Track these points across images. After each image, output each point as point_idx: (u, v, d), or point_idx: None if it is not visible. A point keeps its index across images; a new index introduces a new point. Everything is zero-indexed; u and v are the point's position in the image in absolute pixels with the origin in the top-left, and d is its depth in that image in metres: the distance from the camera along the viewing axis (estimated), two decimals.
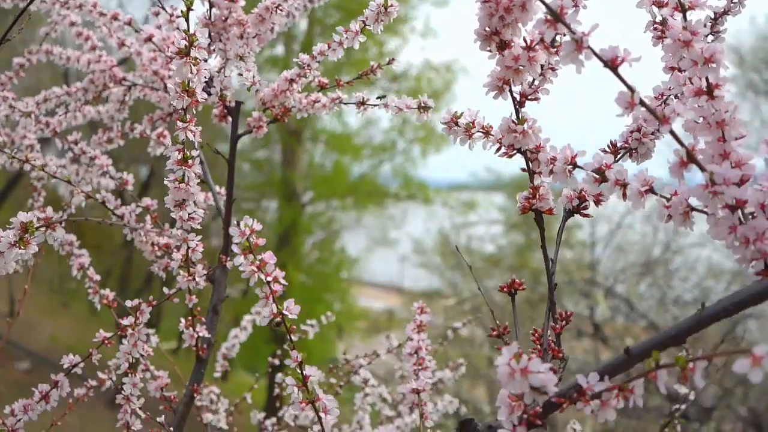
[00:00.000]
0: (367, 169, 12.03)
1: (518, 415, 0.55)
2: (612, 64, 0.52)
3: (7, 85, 1.34)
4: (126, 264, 9.88)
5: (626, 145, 0.70)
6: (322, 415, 0.67)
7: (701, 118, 0.56)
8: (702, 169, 0.53)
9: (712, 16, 0.75)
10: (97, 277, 1.12)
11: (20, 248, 0.69)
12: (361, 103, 0.99)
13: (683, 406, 1.17)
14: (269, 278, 0.64)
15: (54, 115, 1.33)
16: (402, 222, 12.35)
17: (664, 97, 0.70)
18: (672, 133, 0.53)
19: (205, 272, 0.93)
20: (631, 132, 0.70)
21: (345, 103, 1.01)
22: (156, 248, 1.05)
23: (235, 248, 0.63)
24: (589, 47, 0.51)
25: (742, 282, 7.01)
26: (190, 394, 1.01)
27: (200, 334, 0.99)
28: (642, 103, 0.52)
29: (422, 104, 0.88)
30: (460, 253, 0.96)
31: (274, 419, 1.41)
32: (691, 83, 0.58)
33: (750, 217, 0.54)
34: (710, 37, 0.74)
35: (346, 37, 0.93)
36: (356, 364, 1.41)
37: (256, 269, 0.64)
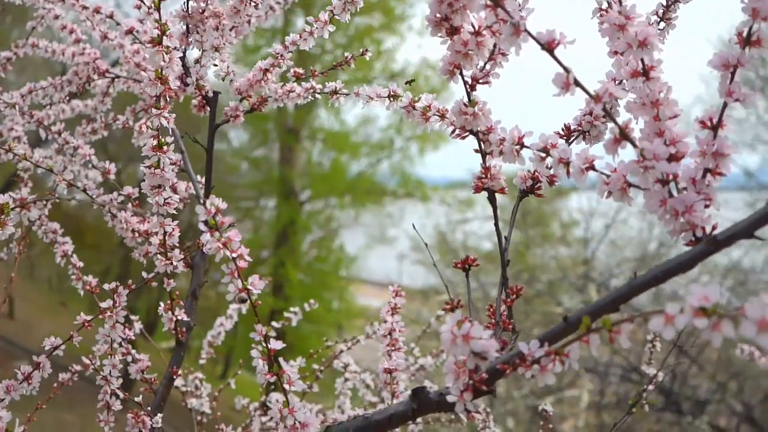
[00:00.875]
0: (365, 167, 12.08)
1: (464, 381, 0.58)
2: (549, 46, 0.55)
3: None
4: (124, 263, 9.92)
5: (579, 128, 0.73)
6: (286, 386, 0.70)
7: (639, 99, 0.59)
8: (634, 145, 0.56)
9: (665, 3, 0.78)
10: (80, 264, 1.15)
11: None
12: (334, 93, 1.02)
13: (650, 387, 1.20)
14: (234, 255, 0.67)
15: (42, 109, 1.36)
16: (400, 220, 12.40)
17: (616, 81, 0.73)
18: (605, 111, 0.56)
19: (182, 257, 0.96)
20: (584, 115, 0.73)
21: (319, 93, 1.04)
22: (136, 235, 1.08)
23: (201, 226, 0.66)
24: (526, 30, 0.54)
25: (734, 276, 7.05)
26: (169, 376, 1.04)
27: (179, 318, 1.02)
28: (576, 83, 0.55)
29: (392, 93, 0.90)
30: (428, 249, 0.98)
31: (256, 404, 1.44)
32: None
33: (684, 191, 0.57)
34: (662, 24, 0.77)
35: (316, 27, 0.96)
36: (337, 349, 1.45)
37: (221, 246, 0.67)
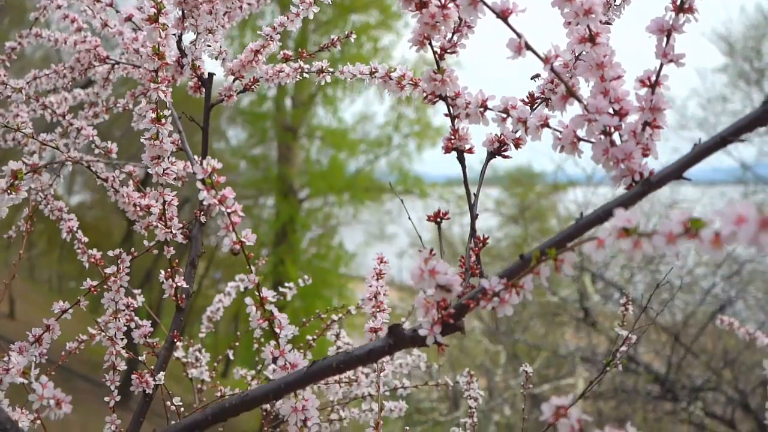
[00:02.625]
0: (363, 165, 12.16)
1: (433, 314, 0.65)
2: (503, 15, 0.62)
3: None
4: None
5: (542, 95, 0.80)
6: (277, 330, 0.77)
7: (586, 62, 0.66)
8: (579, 101, 0.63)
9: None
10: (86, 239, 1.22)
11: (11, 193, 0.79)
12: (321, 71, 1.09)
13: (624, 348, 1.26)
14: (229, 210, 0.74)
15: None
16: (398, 217, 12.47)
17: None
18: (554, 71, 0.63)
19: (181, 225, 1.03)
20: (546, 83, 0.80)
21: (307, 72, 1.11)
22: (138, 209, 1.14)
23: (198, 184, 0.73)
24: (482, 1, 0.61)
25: (729, 265, 7.13)
26: (170, 340, 1.11)
27: (179, 285, 1.09)
28: (528, 47, 0.62)
29: (373, 70, 0.97)
30: (413, 225, 1.03)
31: (253, 372, 1.51)
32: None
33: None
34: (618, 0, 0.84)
35: (302, 8, 1.03)
36: (329, 319, 1.52)
37: (217, 202, 0.74)
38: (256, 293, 0.77)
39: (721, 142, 0.57)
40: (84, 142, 1.23)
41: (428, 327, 0.66)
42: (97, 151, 1.23)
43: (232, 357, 1.48)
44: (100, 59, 1.32)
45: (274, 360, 0.76)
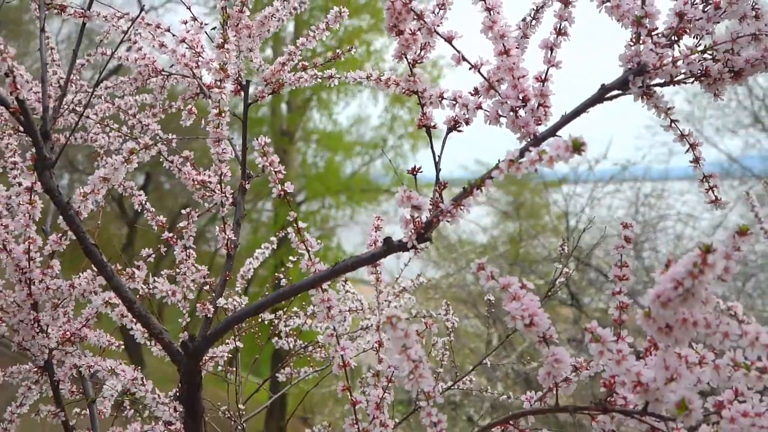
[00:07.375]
0: (359, 167, 12.55)
1: (411, 228, 1.04)
2: (449, 39, 1.01)
3: (72, 82, 1.82)
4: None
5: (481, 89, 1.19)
6: (309, 248, 1.16)
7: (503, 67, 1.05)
8: (496, 91, 1.02)
9: (535, 7, 1.24)
10: (153, 210, 1.60)
11: (127, 164, 1.17)
12: (331, 77, 1.48)
13: (562, 280, 1.65)
14: (276, 169, 1.13)
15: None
16: (395, 217, 12.80)
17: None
18: (480, 74, 1.02)
19: (233, 192, 1.42)
20: (482, 82, 1.19)
21: (320, 78, 1.50)
22: (195, 183, 1.53)
23: (256, 150, 1.12)
24: (435, 31, 1.00)
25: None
26: (223, 278, 1.50)
27: (230, 237, 1.48)
28: (464, 59, 1.01)
29: (369, 74, 1.36)
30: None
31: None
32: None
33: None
34: (533, 21, 1.23)
35: (318, 32, 1.43)
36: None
37: (268, 164, 1.13)
38: (295, 225, 1.16)
39: (576, 113, 0.96)
40: (150, 135, 1.62)
41: (408, 237, 1.04)
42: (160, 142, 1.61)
43: None
44: (157, 72, 1.70)
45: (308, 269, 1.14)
